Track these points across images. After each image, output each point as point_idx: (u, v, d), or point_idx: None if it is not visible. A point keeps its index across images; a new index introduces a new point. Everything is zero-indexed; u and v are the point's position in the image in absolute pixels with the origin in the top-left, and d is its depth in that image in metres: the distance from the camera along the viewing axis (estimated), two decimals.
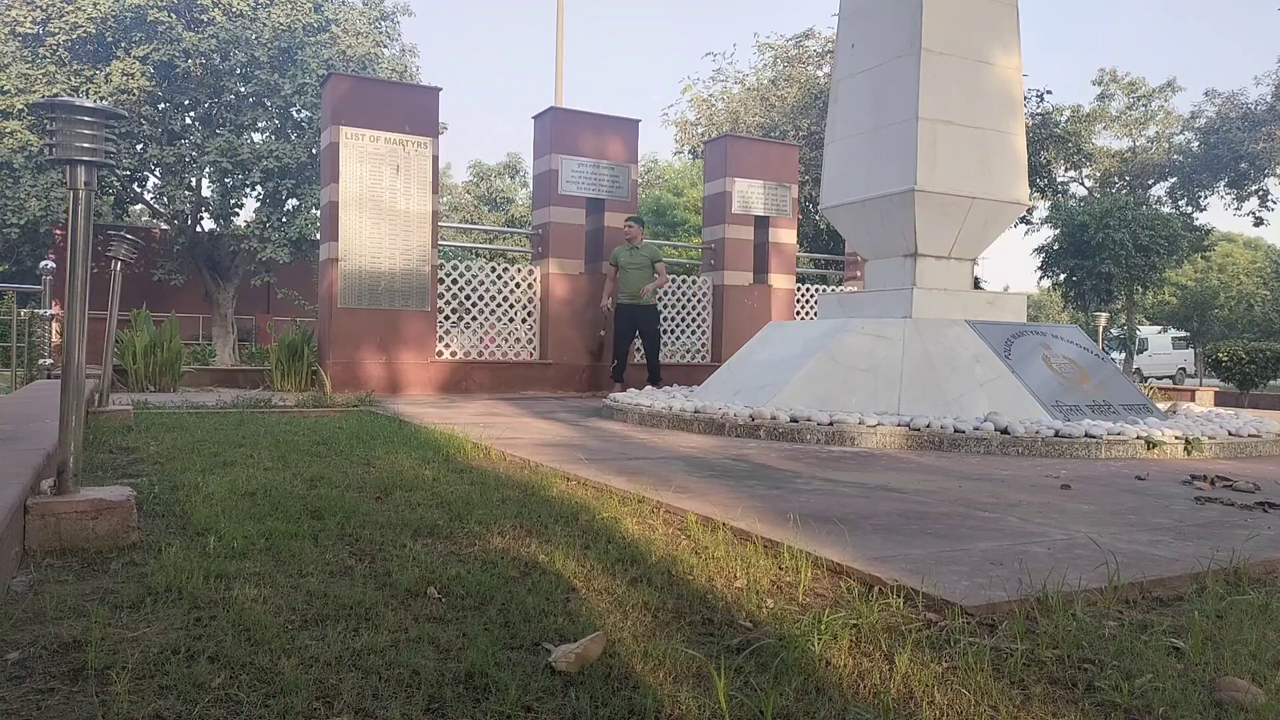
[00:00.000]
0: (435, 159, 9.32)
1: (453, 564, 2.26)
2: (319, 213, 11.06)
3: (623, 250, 9.57)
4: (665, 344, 11.10)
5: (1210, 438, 5.40)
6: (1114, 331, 23.44)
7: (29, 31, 18.62)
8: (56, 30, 18.55)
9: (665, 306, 11.05)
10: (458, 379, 9.47)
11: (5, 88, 18.23)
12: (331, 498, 2.99)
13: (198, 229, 21.58)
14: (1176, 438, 5.30)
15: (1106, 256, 17.86)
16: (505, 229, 17.33)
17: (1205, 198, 27.63)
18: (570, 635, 1.76)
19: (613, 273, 9.64)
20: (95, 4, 18.54)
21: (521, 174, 36.13)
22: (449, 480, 3.51)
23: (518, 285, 10.01)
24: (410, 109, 9.23)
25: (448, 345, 9.56)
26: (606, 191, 10.27)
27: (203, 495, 2.95)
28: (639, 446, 4.97)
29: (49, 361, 8.74)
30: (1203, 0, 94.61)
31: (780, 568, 2.34)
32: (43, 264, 8.72)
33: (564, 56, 16.41)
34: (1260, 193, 26.76)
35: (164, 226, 22.66)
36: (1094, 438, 5.18)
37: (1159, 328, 35.27)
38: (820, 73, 20.77)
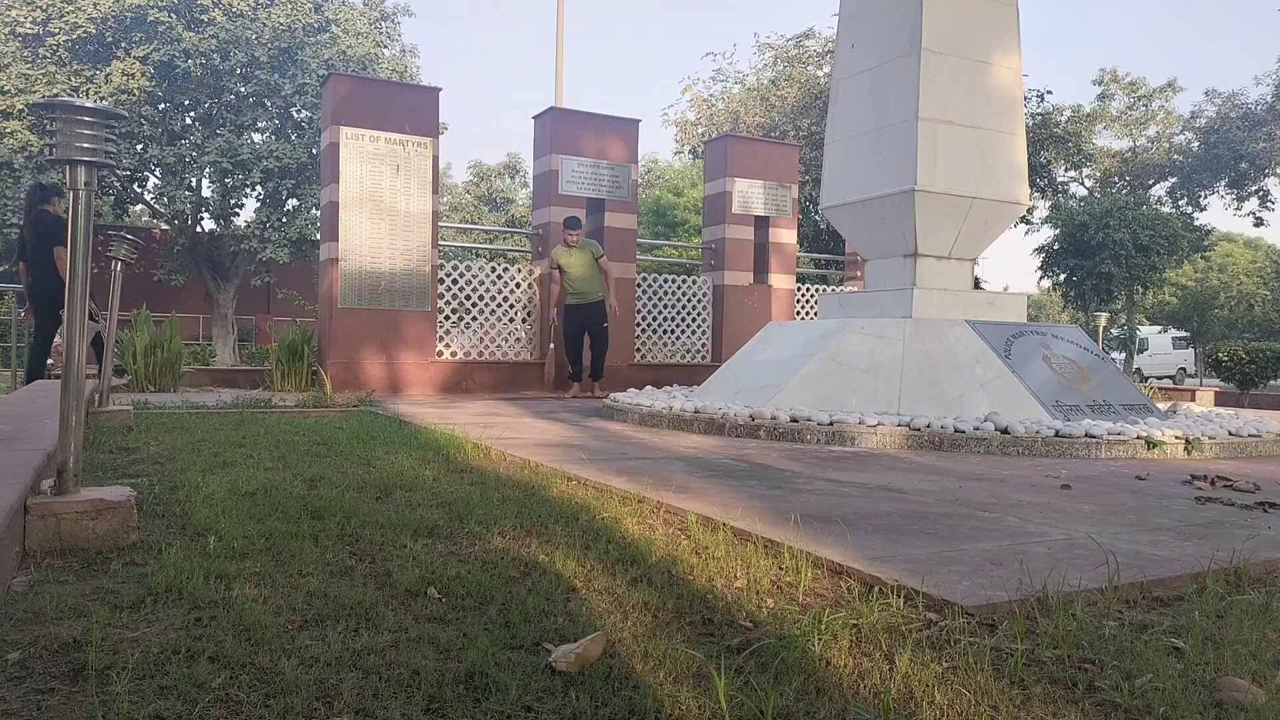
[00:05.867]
0: (435, 159, 9.32)
1: (453, 564, 2.26)
2: (319, 213, 11.06)
3: (560, 251, 9.16)
4: (665, 344, 11.13)
5: (1210, 438, 5.40)
6: (1114, 331, 23.44)
7: (29, 31, 18.61)
8: (56, 30, 18.55)
9: (666, 307, 11.07)
10: (458, 379, 9.47)
11: (5, 88, 18.23)
12: (332, 498, 2.99)
13: (198, 229, 21.57)
14: (1177, 438, 5.30)
15: (1106, 256, 17.86)
16: (505, 229, 17.34)
17: (1205, 198, 27.62)
18: (570, 635, 1.76)
19: (556, 276, 9.28)
20: (95, 4, 18.54)
21: (521, 174, 36.13)
22: (449, 480, 3.51)
23: (518, 285, 10.01)
24: (410, 109, 9.23)
25: (448, 345, 9.56)
26: (607, 191, 10.27)
27: (203, 495, 2.95)
28: (639, 446, 4.97)
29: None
30: (1203, 0, 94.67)
31: (780, 568, 2.34)
32: None
33: (564, 56, 16.42)
34: (1260, 193, 26.74)
35: (164, 227, 22.65)
36: (1094, 438, 5.18)
37: (1159, 328, 35.26)
38: (820, 73, 20.77)
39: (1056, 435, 5.20)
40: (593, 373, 9.38)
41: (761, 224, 11.49)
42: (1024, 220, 24.37)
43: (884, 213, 6.86)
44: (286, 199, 21.18)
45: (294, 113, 21.00)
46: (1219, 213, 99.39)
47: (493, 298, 9.86)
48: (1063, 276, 19.05)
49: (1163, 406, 6.80)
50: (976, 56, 6.80)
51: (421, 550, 2.40)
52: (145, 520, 2.61)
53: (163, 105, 20.31)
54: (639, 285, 10.79)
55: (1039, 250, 19.52)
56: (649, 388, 8.25)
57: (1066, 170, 25.42)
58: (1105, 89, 28.41)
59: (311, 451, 4.20)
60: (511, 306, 9.99)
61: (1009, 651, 1.75)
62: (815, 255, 15.03)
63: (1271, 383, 13.01)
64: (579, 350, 9.39)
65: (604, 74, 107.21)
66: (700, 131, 22.56)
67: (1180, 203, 27.76)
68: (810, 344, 6.69)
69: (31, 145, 18.37)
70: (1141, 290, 20.33)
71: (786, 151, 12.00)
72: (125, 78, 18.74)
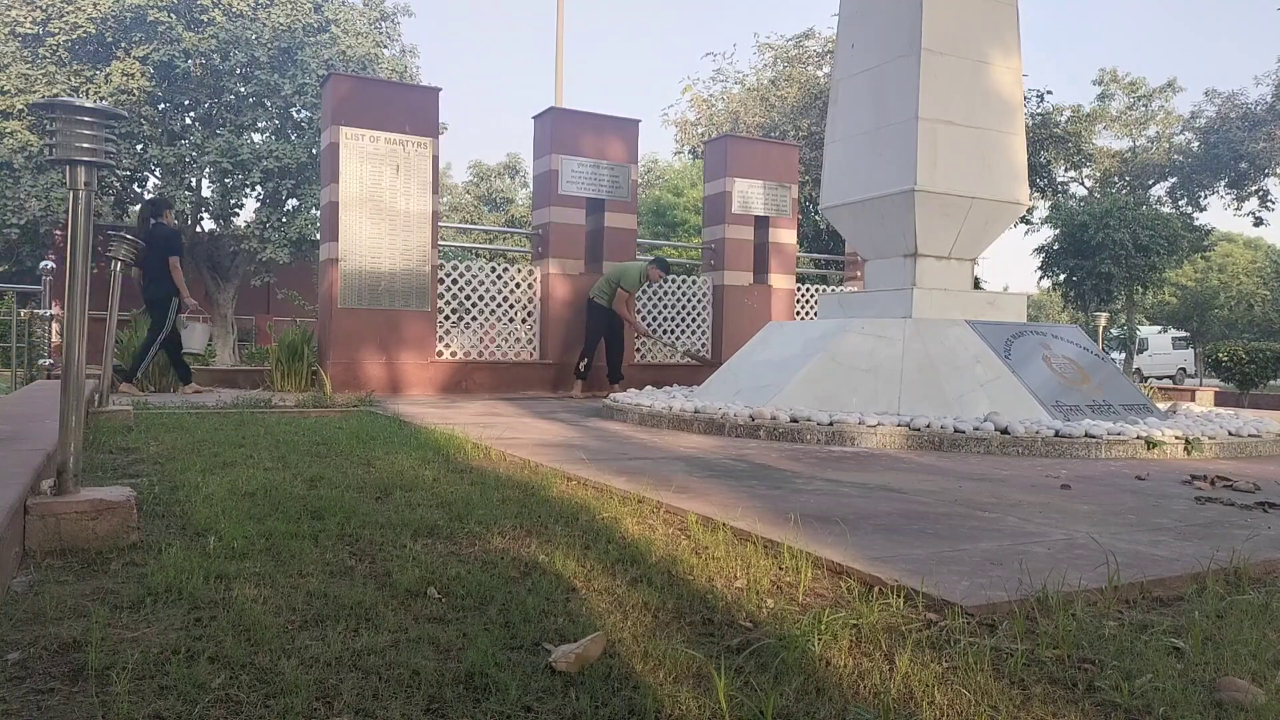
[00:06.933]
0: (435, 159, 9.32)
1: (453, 564, 2.26)
2: (319, 213, 11.06)
3: (639, 281, 9.51)
4: (665, 344, 11.20)
5: (1210, 438, 5.40)
6: (1114, 331, 23.42)
7: (29, 31, 18.60)
8: (56, 30, 18.54)
9: (665, 307, 11.10)
10: (458, 379, 9.47)
11: (5, 88, 18.22)
12: (331, 498, 2.99)
13: (198, 229, 21.57)
14: (1176, 438, 5.30)
15: (1106, 256, 17.86)
16: (505, 229, 17.31)
17: (1205, 198, 27.60)
18: (570, 635, 1.76)
19: (628, 298, 9.59)
20: (95, 4, 18.53)
21: (521, 174, 36.12)
22: (449, 480, 3.51)
23: (518, 285, 10.01)
24: (410, 109, 9.23)
25: (448, 345, 9.56)
26: (606, 192, 10.27)
27: (203, 495, 2.95)
28: (639, 446, 4.97)
29: (49, 361, 8.75)
30: (1203, 0, 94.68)
31: (780, 568, 2.34)
32: (43, 264, 8.74)
33: (564, 56, 16.43)
34: (1260, 193, 26.72)
35: None
36: (1094, 438, 5.18)
37: (1159, 328, 35.26)
38: (820, 73, 20.77)
39: (1056, 435, 5.20)
40: (613, 376, 9.61)
41: (761, 224, 11.49)
42: (1024, 220, 24.37)
43: (884, 213, 6.86)
44: (286, 199, 21.17)
45: (294, 113, 20.99)
46: (1219, 213, 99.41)
47: (493, 298, 9.86)
48: (1063, 276, 19.04)
49: (1163, 406, 6.79)
50: (976, 57, 6.80)
51: (421, 550, 2.40)
52: (145, 520, 2.61)
53: (163, 105, 20.30)
54: None
55: (1039, 250, 19.51)
56: (649, 388, 8.26)
57: (1066, 170, 25.42)
58: (1105, 89, 28.39)
59: (311, 451, 4.20)
60: (511, 307, 9.99)
61: (1009, 651, 1.75)
62: (815, 255, 15.02)
63: (1271, 383, 13.01)
64: (594, 351, 9.53)
65: (604, 74, 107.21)
66: (700, 131, 22.55)
67: (1180, 203, 27.75)
68: (810, 344, 6.69)
69: (31, 145, 18.36)
70: (1141, 290, 20.33)
71: (786, 151, 12.00)
72: (125, 78, 18.73)
